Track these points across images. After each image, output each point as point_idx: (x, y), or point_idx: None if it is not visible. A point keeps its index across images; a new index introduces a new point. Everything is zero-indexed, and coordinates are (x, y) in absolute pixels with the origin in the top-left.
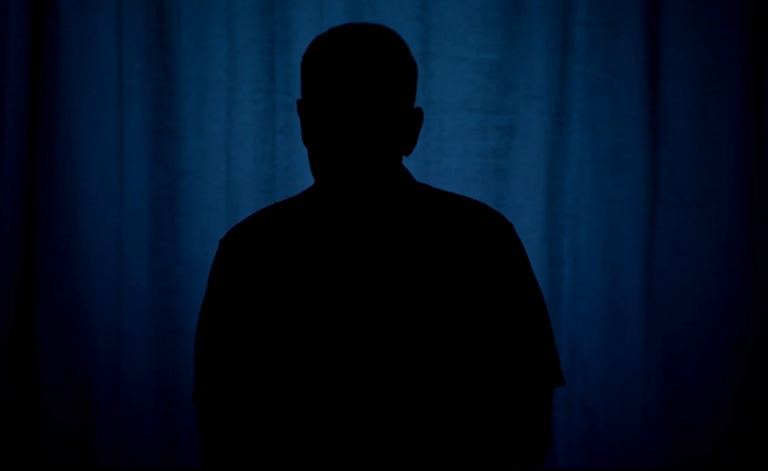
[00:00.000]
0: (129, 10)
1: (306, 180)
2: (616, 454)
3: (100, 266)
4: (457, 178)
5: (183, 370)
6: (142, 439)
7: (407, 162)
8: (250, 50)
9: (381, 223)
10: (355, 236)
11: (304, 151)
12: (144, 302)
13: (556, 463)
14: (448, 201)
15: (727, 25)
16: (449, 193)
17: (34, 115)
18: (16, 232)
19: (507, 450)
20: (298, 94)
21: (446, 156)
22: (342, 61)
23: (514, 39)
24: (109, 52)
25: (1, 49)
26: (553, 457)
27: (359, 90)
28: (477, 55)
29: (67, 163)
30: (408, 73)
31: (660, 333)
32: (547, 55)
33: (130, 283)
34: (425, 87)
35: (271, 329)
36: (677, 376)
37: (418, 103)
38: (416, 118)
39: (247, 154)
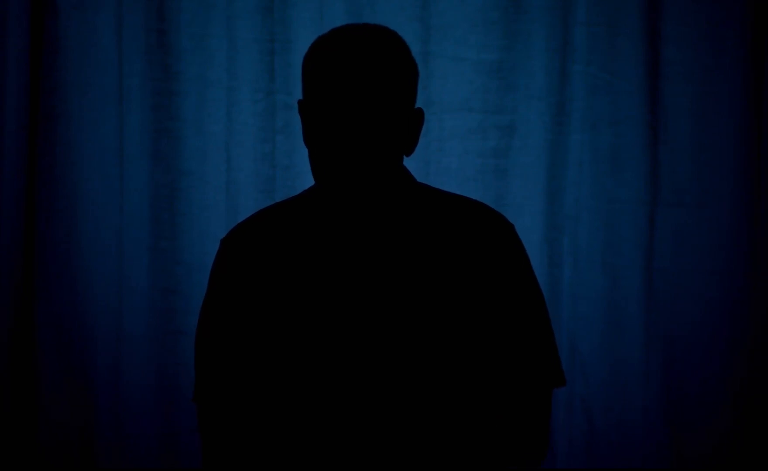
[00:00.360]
0: (129, 10)
1: (306, 180)
2: (616, 454)
3: (100, 266)
4: (457, 178)
5: (183, 370)
6: (142, 439)
7: (407, 162)
8: (250, 50)
9: (382, 223)
10: (355, 236)
11: (304, 151)
12: (144, 302)
13: (556, 463)
14: (449, 201)
15: (727, 25)
16: (450, 194)
17: (34, 115)
18: (16, 232)
19: (507, 450)
20: (298, 94)
21: (446, 156)
22: (343, 62)
23: (514, 39)
24: (109, 52)
25: (1, 49)
26: (553, 457)
27: (360, 90)
28: (477, 55)
29: (67, 163)
30: (409, 73)
31: (660, 333)
32: (547, 55)
33: (130, 283)
34: (425, 87)
35: (271, 329)
36: (677, 376)
37: (418, 103)
38: (417, 118)
39: (247, 154)
